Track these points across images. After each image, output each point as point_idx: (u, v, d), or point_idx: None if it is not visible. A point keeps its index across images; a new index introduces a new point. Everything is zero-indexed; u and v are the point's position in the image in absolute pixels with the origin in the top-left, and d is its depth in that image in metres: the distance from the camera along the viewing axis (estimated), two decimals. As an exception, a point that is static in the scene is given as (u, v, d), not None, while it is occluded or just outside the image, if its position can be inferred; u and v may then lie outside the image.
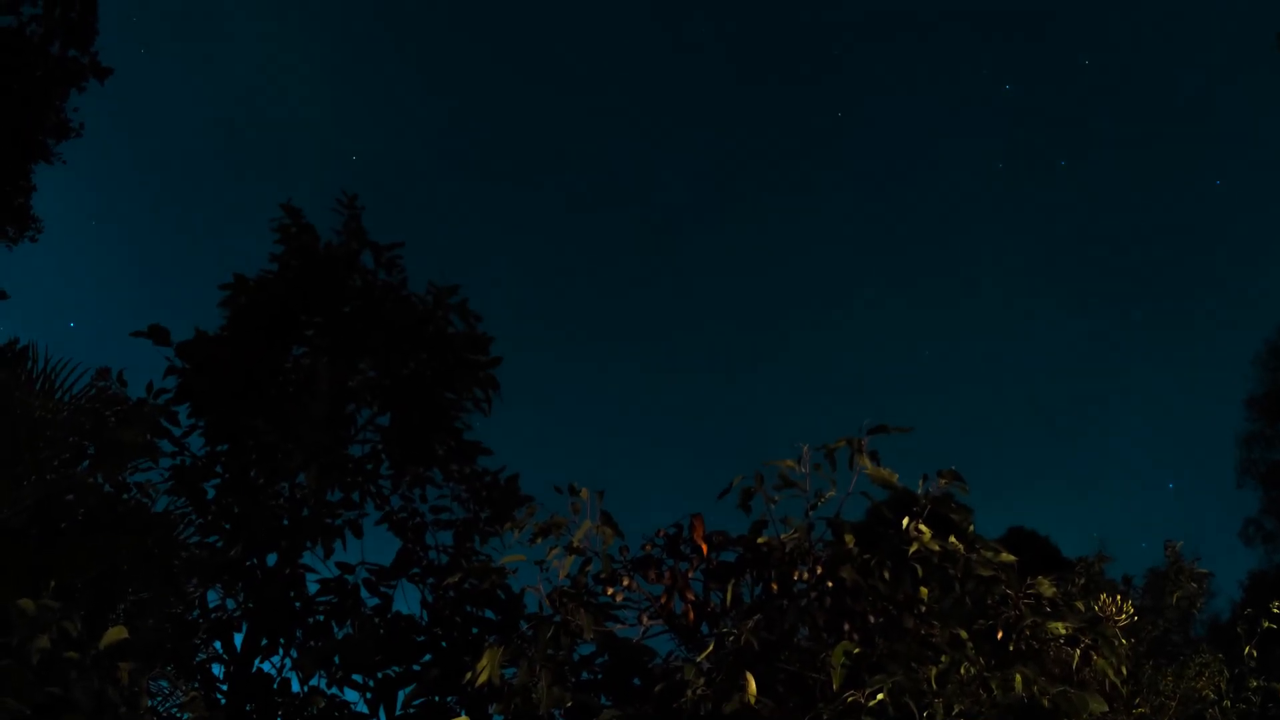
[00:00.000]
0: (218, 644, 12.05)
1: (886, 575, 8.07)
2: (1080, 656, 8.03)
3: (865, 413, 8.43)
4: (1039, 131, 49.42)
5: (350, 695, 11.54)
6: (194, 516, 12.25)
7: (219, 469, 12.63)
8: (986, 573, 8.00)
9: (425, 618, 11.79)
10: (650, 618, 8.90)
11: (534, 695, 8.23)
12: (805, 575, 8.41)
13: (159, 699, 10.31)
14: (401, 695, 10.98)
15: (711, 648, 8.11)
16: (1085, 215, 49.15)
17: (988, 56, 50.55)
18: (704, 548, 8.88)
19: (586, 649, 9.10)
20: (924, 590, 7.95)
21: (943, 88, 48.05)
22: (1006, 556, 8.08)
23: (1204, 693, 10.09)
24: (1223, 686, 10.14)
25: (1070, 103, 47.47)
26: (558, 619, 8.70)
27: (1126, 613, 9.37)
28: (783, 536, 8.54)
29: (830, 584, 8.17)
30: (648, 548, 9.07)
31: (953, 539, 8.00)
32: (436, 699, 10.55)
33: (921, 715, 7.08)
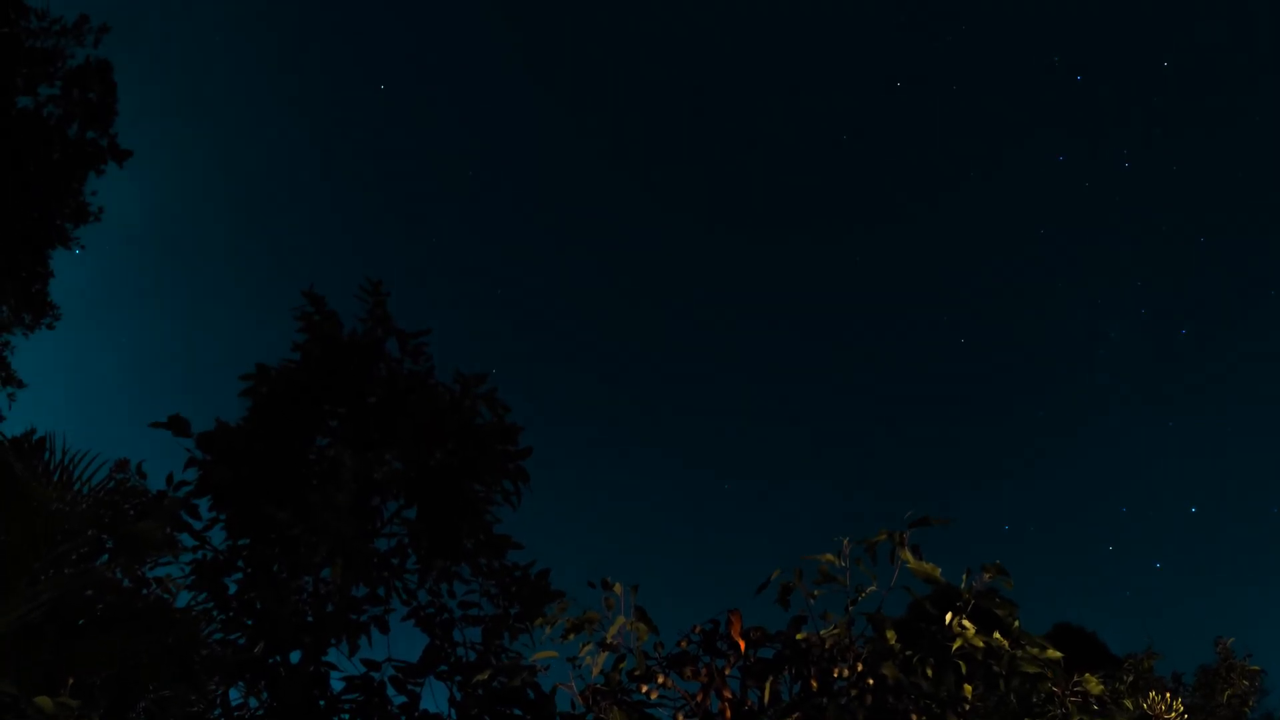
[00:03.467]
0: (240, 743, 12.12)
1: (929, 672, 8.13)
2: (1130, 756, 8.07)
3: (906, 506, 8.49)
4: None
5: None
6: (215, 612, 12.35)
7: (241, 563, 12.72)
8: (1032, 669, 8.05)
9: (454, 716, 11.87)
10: (686, 716, 8.92)
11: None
12: (845, 672, 8.47)
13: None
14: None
15: (750, 747, 8.18)
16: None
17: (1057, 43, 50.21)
18: (741, 644, 8.93)
19: (621, 748, 9.13)
20: (968, 688, 8.02)
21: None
22: (1053, 653, 8.14)
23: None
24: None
25: (1141, 102, 47.08)
26: (590, 717, 8.76)
27: (1176, 711, 9.42)
28: (822, 633, 8.62)
29: (871, 681, 8.24)
30: (683, 644, 9.12)
31: (997, 635, 8.07)
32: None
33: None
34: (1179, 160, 48.33)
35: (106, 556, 10.55)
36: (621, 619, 8.97)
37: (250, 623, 12.37)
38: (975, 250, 53.74)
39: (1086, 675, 8.31)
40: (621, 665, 9.09)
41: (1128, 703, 8.71)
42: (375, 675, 12.20)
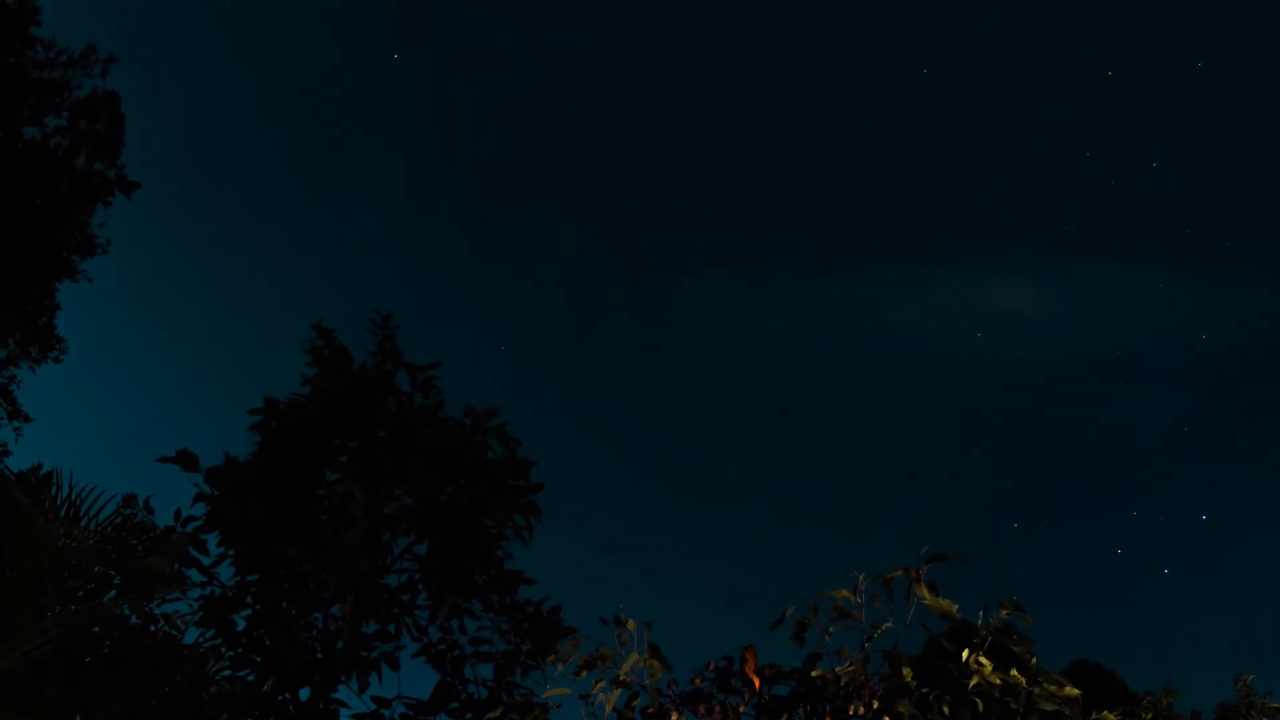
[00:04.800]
0: (249, 783, 12.11)
1: (946, 710, 8.15)
2: (1149, 795, 8.08)
3: (921, 541, 8.51)
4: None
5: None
6: (224, 649, 12.34)
7: (250, 600, 12.74)
8: (1050, 707, 8.07)
9: (465, 754, 11.88)
10: (700, 754, 8.95)
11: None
12: (861, 710, 8.49)
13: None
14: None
15: (765, 786, 8.19)
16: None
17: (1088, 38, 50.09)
18: (756, 681, 8.95)
19: (634, 787, 9.14)
20: (985, 726, 8.04)
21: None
22: (1070, 690, 8.15)
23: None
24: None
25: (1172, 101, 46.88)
26: (604, 755, 8.78)
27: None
28: (838, 670, 8.64)
29: (887, 719, 8.26)
30: (697, 681, 9.13)
31: (1014, 672, 8.09)
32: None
33: None
34: (1207, 161, 48.40)
35: (114, 592, 10.58)
36: (634, 656, 8.99)
37: (259, 659, 12.37)
38: (996, 245, 53.87)
39: (1105, 713, 8.31)
40: (635, 702, 9.10)
41: (1147, 741, 8.72)
42: (386, 713, 12.21)
